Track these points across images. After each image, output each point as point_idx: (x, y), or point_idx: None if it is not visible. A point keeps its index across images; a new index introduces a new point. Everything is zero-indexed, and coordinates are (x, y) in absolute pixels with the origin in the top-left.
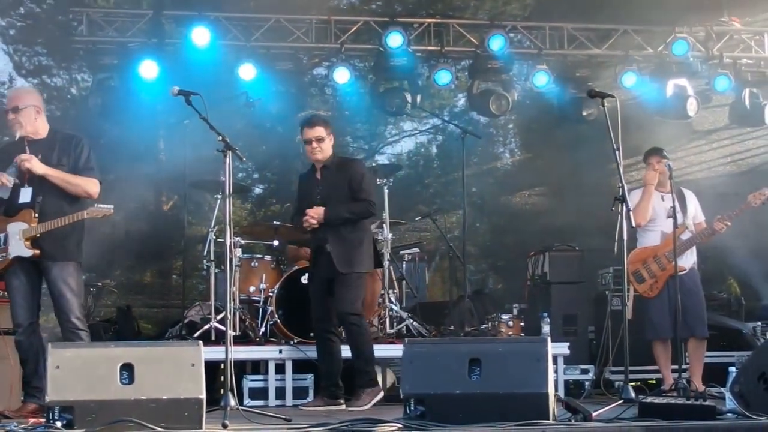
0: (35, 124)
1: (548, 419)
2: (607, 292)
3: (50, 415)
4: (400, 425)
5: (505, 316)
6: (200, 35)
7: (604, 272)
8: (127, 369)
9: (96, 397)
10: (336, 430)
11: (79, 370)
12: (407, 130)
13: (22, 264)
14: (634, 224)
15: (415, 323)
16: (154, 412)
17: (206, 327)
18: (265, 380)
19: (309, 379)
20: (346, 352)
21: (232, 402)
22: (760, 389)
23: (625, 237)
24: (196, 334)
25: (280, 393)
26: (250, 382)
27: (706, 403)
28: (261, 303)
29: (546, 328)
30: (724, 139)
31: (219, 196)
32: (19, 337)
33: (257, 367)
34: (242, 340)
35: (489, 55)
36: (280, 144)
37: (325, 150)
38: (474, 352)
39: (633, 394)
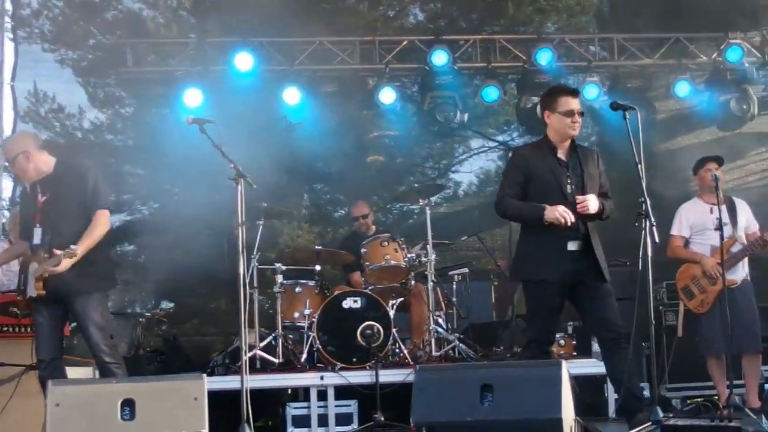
0: (31, 167)
1: None
2: (660, 308)
3: None
4: None
5: (557, 335)
6: (243, 60)
7: (658, 287)
8: (128, 405)
9: None
10: None
11: (80, 408)
12: (474, 148)
13: (44, 302)
14: (656, 240)
15: (462, 345)
16: None
17: (250, 354)
18: (308, 408)
19: (353, 406)
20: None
21: None
22: None
23: (649, 253)
24: (239, 363)
25: (323, 420)
26: (293, 409)
27: (732, 424)
28: (305, 329)
29: (596, 347)
30: None
31: (261, 222)
32: (42, 373)
33: (303, 394)
34: (286, 366)
35: (537, 69)
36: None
37: None
38: (486, 378)
39: (661, 415)
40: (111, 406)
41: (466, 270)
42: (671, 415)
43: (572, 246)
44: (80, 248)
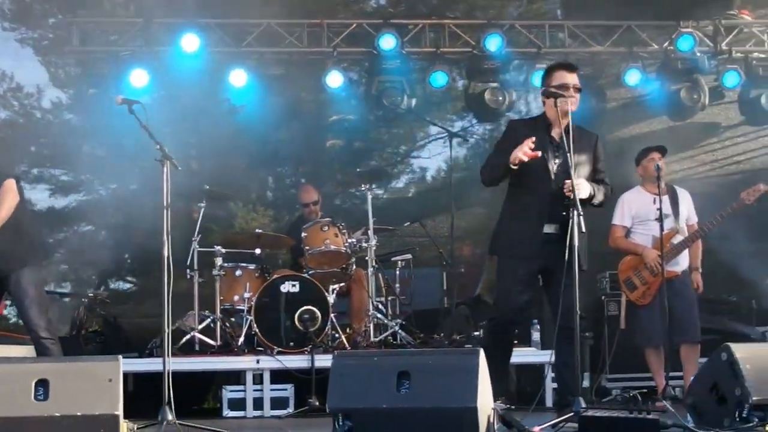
0: None
1: None
2: (603, 297)
3: None
4: None
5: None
6: (189, 42)
7: (601, 277)
8: (42, 385)
9: (8, 414)
10: None
11: None
12: (433, 134)
13: None
14: (583, 230)
15: (401, 332)
16: (68, 429)
17: (187, 337)
18: (244, 391)
19: (289, 390)
20: None
21: (169, 416)
22: (712, 401)
23: (576, 244)
24: (178, 345)
25: (258, 403)
26: (229, 392)
27: (650, 416)
28: (245, 312)
29: (536, 335)
30: (738, 136)
31: (203, 204)
32: None
33: (241, 377)
34: (224, 349)
35: (486, 55)
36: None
37: None
38: (403, 365)
39: (583, 405)
40: (25, 385)
41: (409, 256)
42: (588, 406)
43: (548, 228)
44: None
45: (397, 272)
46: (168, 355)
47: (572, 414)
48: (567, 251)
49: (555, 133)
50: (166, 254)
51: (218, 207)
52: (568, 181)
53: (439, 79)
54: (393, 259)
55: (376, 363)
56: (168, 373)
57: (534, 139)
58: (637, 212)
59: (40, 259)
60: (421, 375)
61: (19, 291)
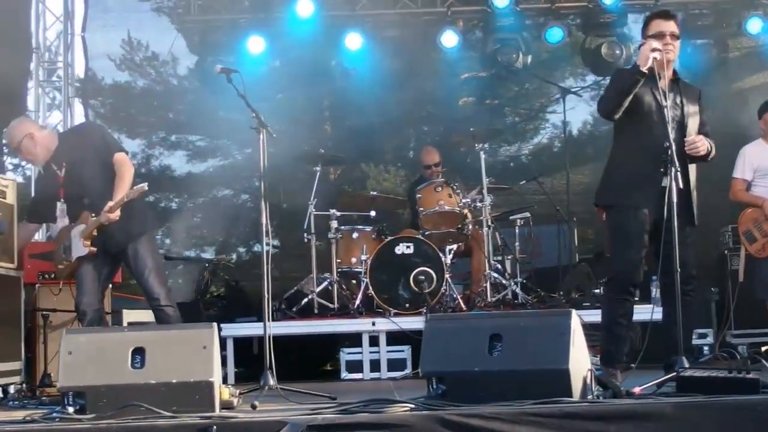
0: (38, 148)
1: (571, 396)
2: (726, 252)
3: (64, 401)
4: (413, 405)
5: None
6: (304, 6)
7: (724, 230)
8: (139, 353)
9: (107, 382)
10: (346, 411)
11: (92, 355)
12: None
13: (87, 257)
14: (681, 186)
15: (519, 291)
16: (164, 396)
17: (305, 300)
18: (361, 353)
19: (406, 351)
20: None
21: (271, 381)
22: None
23: (675, 199)
24: (295, 308)
25: (375, 365)
26: (346, 355)
27: (750, 375)
28: (362, 274)
29: (656, 292)
30: None
31: (318, 168)
32: (85, 324)
33: (359, 339)
34: (343, 312)
35: (601, 8)
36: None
37: None
38: (495, 328)
39: (686, 365)
40: (122, 354)
41: (527, 214)
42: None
43: (666, 182)
44: (119, 195)
45: (517, 230)
46: (268, 320)
47: (673, 375)
48: (666, 208)
49: (662, 83)
50: (264, 222)
51: (351, 169)
52: (689, 138)
53: (555, 34)
54: (511, 217)
55: (468, 326)
56: (269, 338)
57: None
58: (759, 165)
59: (154, 227)
60: (513, 337)
61: (138, 262)
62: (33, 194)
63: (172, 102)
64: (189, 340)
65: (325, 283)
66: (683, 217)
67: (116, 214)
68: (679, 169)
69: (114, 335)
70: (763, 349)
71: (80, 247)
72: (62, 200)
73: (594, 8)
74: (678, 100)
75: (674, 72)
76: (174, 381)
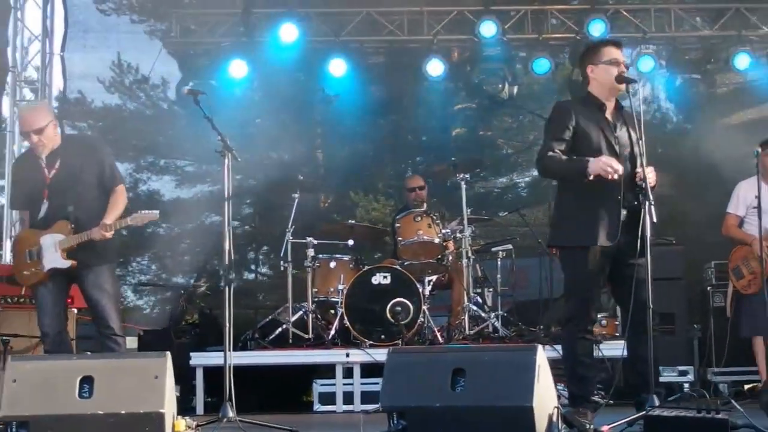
0: (55, 138)
1: None
2: (708, 288)
3: (7, 431)
4: None
5: (599, 315)
6: (287, 32)
7: (707, 267)
8: (87, 382)
9: (53, 412)
10: None
11: (38, 384)
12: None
13: (55, 275)
14: (654, 220)
15: (497, 324)
16: (112, 427)
17: (279, 330)
18: (334, 385)
19: (380, 384)
20: None
21: (230, 413)
22: None
23: (648, 234)
24: (269, 337)
25: (349, 398)
26: (320, 386)
27: (719, 416)
28: (339, 304)
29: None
30: None
31: (296, 195)
32: (48, 347)
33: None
34: (318, 342)
35: (588, 40)
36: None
37: None
38: (458, 362)
39: (656, 403)
40: (69, 383)
41: (509, 246)
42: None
43: (624, 216)
44: (111, 217)
45: (499, 263)
46: (229, 350)
47: (643, 413)
48: (639, 242)
49: (609, 113)
50: (226, 248)
51: (341, 197)
52: (639, 170)
53: (543, 65)
54: (493, 249)
55: (431, 359)
56: (229, 368)
57: (621, 171)
58: (752, 201)
59: (118, 258)
60: (477, 372)
61: (98, 288)
62: (13, 179)
63: (162, 126)
64: (140, 370)
65: (300, 312)
66: (635, 250)
67: (110, 234)
68: (652, 202)
69: (61, 363)
70: (746, 387)
71: (57, 258)
72: (45, 200)
73: (581, 39)
74: (624, 128)
75: (616, 101)
76: (123, 412)
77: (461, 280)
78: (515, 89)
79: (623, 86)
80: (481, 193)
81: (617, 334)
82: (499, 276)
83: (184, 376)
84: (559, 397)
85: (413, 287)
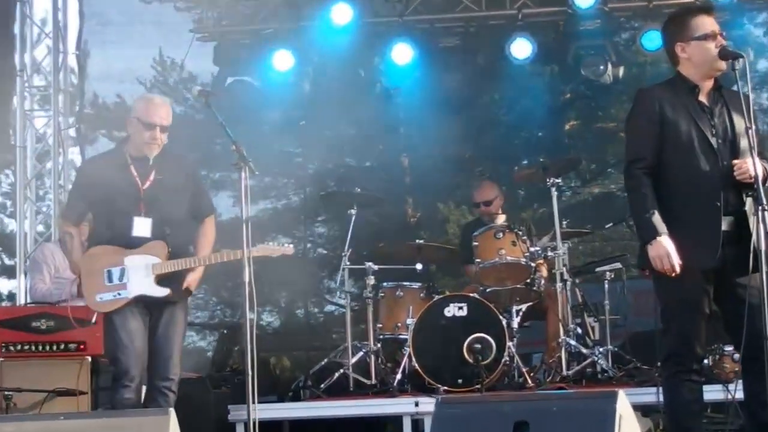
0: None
1: None
2: None
3: None
4: None
5: (729, 348)
6: (341, 12)
7: None
8: None
9: None
10: None
11: None
12: None
13: (138, 303)
14: None
15: (601, 361)
16: None
17: (337, 375)
18: None
19: None
20: None
21: None
22: None
23: (763, 247)
24: (323, 385)
25: None
26: None
27: None
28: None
29: None
30: None
31: (354, 211)
32: (129, 394)
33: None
34: (382, 389)
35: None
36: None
37: None
38: (520, 413)
39: None
40: None
41: (618, 265)
42: None
43: (723, 225)
44: (204, 251)
45: (606, 286)
46: (252, 400)
47: None
48: (751, 256)
49: (703, 97)
50: (246, 279)
51: (432, 211)
52: (737, 162)
53: (655, 39)
54: (598, 269)
55: (488, 411)
56: (254, 423)
57: (678, 270)
58: None
59: None
60: (543, 425)
61: (171, 329)
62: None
63: (216, 132)
64: (139, 429)
65: (361, 353)
66: (745, 267)
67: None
68: (766, 206)
69: (46, 424)
70: None
71: (149, 284)
72: (142, 214)
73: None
74: (724, 114)
75: (715, 80)
76: None
77: (556, 308)
78: (621, 70)
79: (724, 64)
80: (580, 201)
81: None
82: (607, 302)
83: None
84: None
85: (495, 319)
